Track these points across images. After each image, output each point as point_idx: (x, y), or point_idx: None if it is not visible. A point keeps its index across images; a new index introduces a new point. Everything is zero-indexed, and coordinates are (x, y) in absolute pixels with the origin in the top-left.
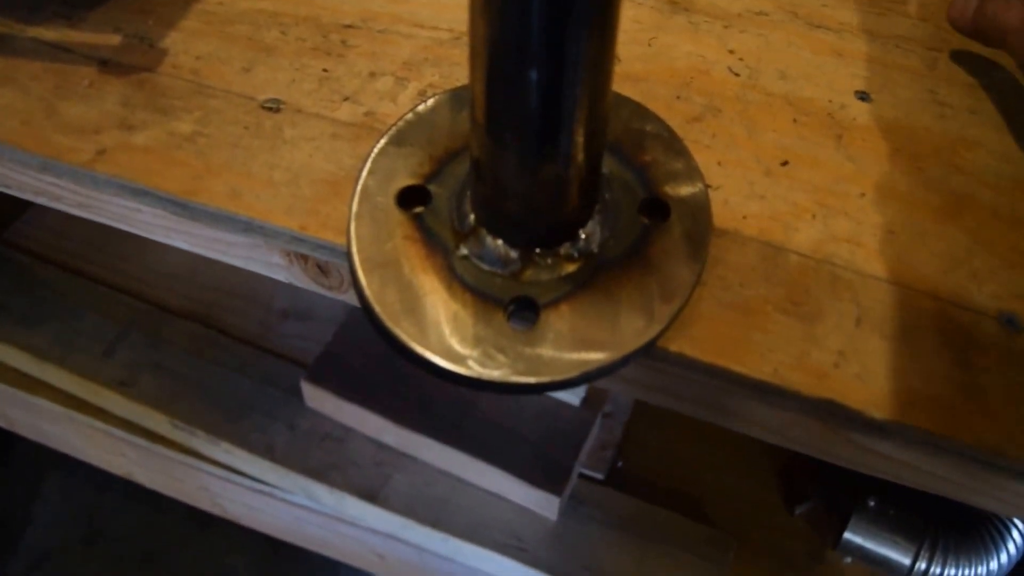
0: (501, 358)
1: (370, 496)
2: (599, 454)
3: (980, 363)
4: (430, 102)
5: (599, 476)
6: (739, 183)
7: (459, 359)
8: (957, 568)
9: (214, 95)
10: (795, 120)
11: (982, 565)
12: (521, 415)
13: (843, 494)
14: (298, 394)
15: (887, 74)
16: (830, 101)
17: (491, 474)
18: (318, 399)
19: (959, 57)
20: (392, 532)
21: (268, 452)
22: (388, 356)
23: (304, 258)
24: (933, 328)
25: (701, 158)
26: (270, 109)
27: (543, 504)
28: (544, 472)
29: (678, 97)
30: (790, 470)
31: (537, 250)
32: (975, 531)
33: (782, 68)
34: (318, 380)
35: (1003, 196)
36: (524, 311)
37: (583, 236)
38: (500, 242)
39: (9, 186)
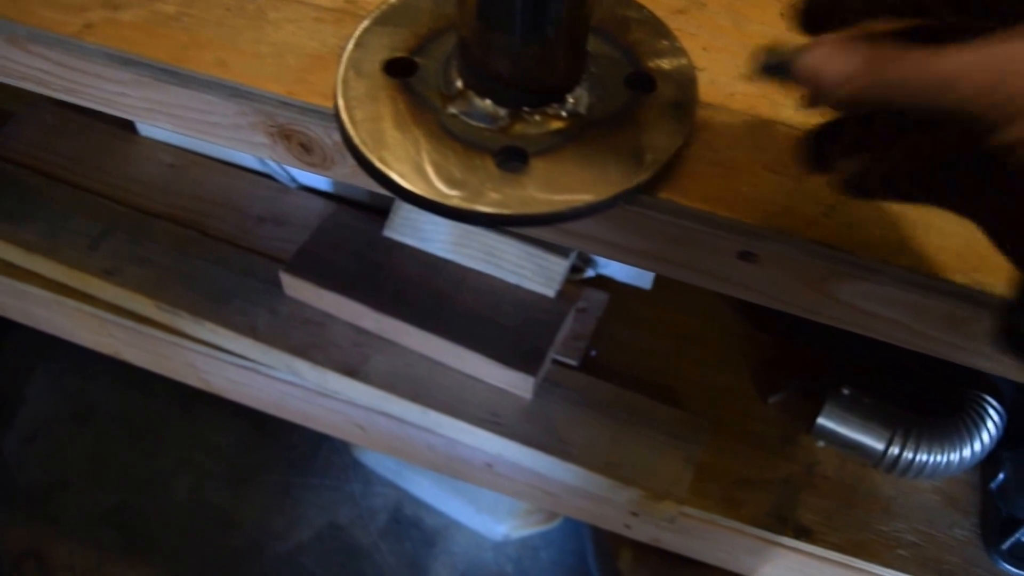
0: (491, 195)
1: (351, 372)
2: (573, 343)
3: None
4: None
5: (573, 363)
6: (726, 66)
7: (450, 195)
8: (930, 454)
9: None
10: (782, 13)
11: (955, 452)
12: (497, 306)
13: (817, 383)
14: (278, 285)
15: None
16: None
17: (468, 357)
18: (297, 288)
19: None
20: (372, 405)
21: (251, 332)
22: (365, 254)
23: (287, 136)
24: None
25: (687, 44)
26: None
27: (518, 384)
28: (519, 354)
29: None
30: (764, 363)
31: (525, 109)
32: (951, 419)
33: None
34: (298, 270)
35: None
36: (513, 160)
37: (571, 99)
38: (488, 101)
39: None
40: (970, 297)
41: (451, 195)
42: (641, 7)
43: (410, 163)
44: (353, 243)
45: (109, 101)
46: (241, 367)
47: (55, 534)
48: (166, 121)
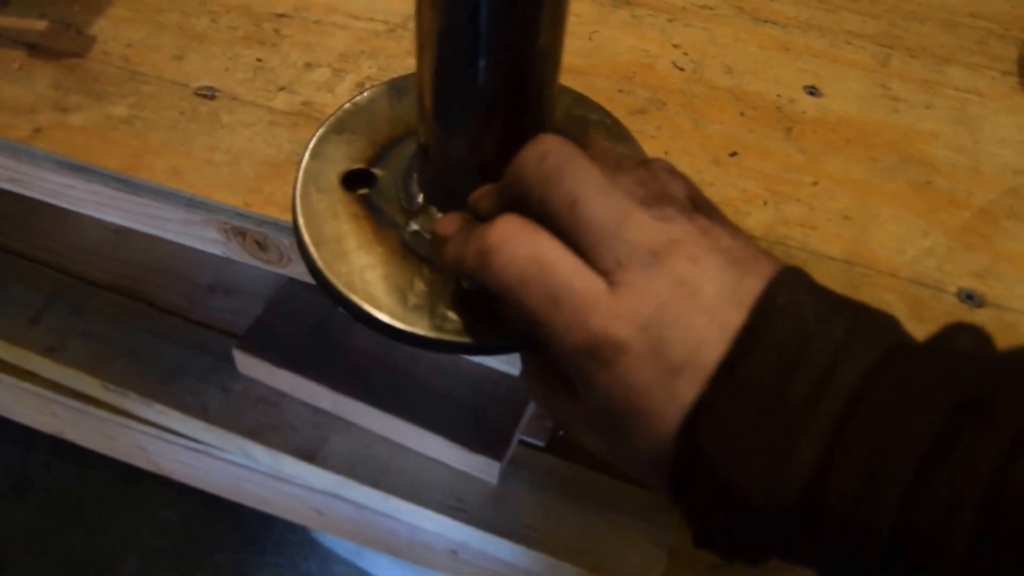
0: (456, 322)
1: (308, 456)
2: (539, 423)
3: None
4: (368, 92)
5: (540, 444)
6: (687, 171)
7: (417, 322)
8: None
9: (147, 81)
10: (742, 113)
11: None
12: (459, 383)
13: None
14: (230, 361)
15: (837, 69)
16: (778, 95)
17: (429, 439)
18: (251, 366)
19: (913, 53)
20: (331, 490)
21: (202, 413)
22: (321, 328)
23: (242, 234)
24: (892, 302)
25: (648, 147)
26: (205, 96)
27: (483, 468)
28: (483, 437)
29: (620, 91)
30: None
31: None
32: None
33: (728, 63)
34: (251, 348)
35: (960, 184)
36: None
37: None
38: None
39: None
40: None
41: (414, 325)
42: (600, 108)
43: (373, 288)
44: (308, 315)
45: (57, 194)
46: (192, 449)
47: None
48: (115, 215)
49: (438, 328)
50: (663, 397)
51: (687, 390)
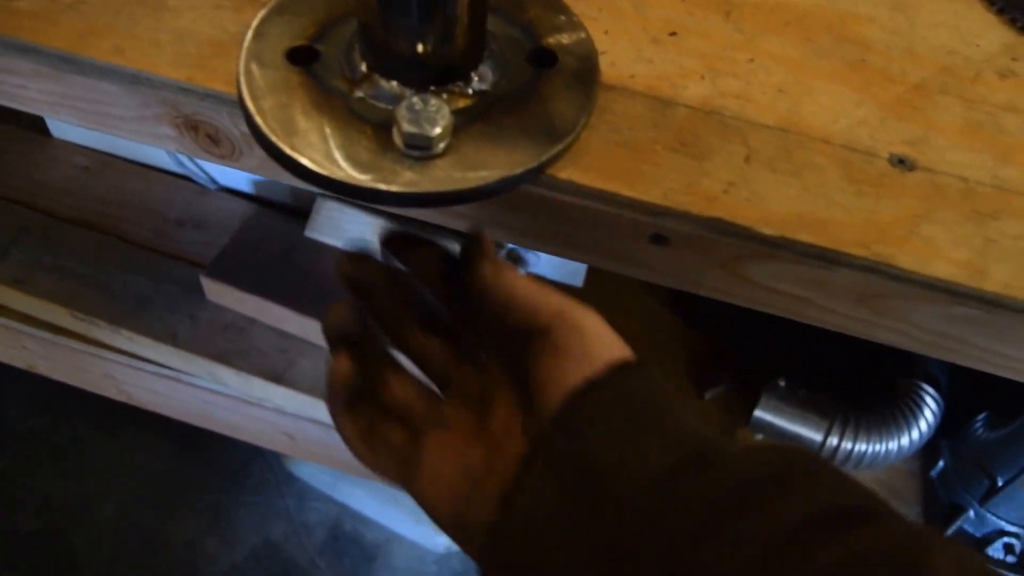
0: (403, 175)
1: (275, 378)
2: None
3: (874, 194)
4: None
5: None
6: (626, 49)
7: (361, 177)
8: (868, 443)
9: None
10: None
11: (893, 441)
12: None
13: (753, 377)
14: (198, 291)
15: None
16: None
17: None
18: (219, 292)
19: None
20: (300, 412)
21: (171, 339)
22: (286, 255)
23: (194, 127)
24: (826, 165)
25: (589, 28)
26: None
27: None
28: None
29: None
30: (700, 360)
31: (432, 87)
32: (888, 408)
33: None
34: (218, 275)
35: (894, 63)
36: None
37: (475, 77)
38: (395, 83)
39: None
40: (873, 270)
41: (362, 177)
42: None
43: (320, 149)
44: (275, 245)
45: (10, 95)
46: (162, 376)
47: None
48: (70, 115)
49: (386, 181)
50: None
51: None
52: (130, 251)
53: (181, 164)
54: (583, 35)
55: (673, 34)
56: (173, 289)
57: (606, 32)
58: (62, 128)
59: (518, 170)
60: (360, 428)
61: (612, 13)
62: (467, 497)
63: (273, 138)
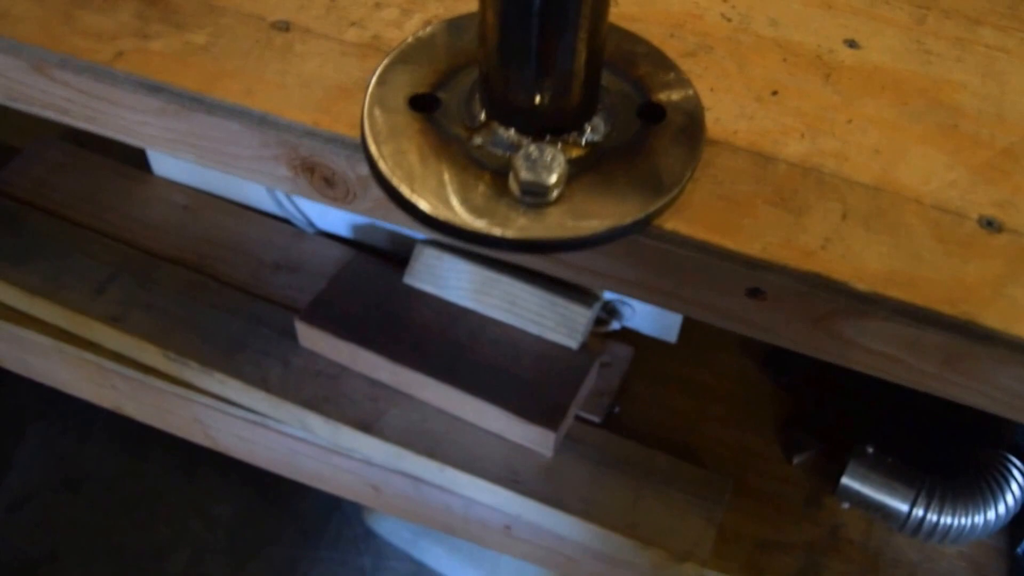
0: (517, 221)
1: (365, 427)
2: (596, 400)
3: (962, 254)
4: (430, 28)
5: (596, 419)
6: (730, 106)
7: (476, 222)
8: (954, 516)
9: (224, 14)
10: (784, 60)
11: (980, 514)
12: (518, 357)
13: (841, 443)
14: (291, 335)
15: (875, 26)
16: (819, 46)
17: (487, 411)
18: (312, 338)
19: (948, 15)
20: (387, 463)
21: (262, 384)
22: (382, 303)
23: (310, 169)
24: (917, 224)
25: (695, 84)
26: (280, 28)
27: (539, 441)
28: (540, 409)
29: (671, 36)
30: (789, 422)
31: (547, 137)
32: (974, 480)
33: (773, 16)
34: (313, 320)
35: (984, 128)
36: None
37: (588, 128)
38: (512, 131)
39: (17, 99)
40: (959, 328)
41: (477, 223)
42: (646, 42)
43: (437, 193)
44: (371, 291)
45: (130, 131)
46: (250, 422)
47: None
48: (188, 152)
49: (501, 226)
50: None
51: None
52: (225, 292)
53: (281, 206)
54: (691, 92)
55: (775, 93)
56: (266, 332)
57: (711, 89)
58: (163, 166)
59: (627, 220)
60: None
61: (717, 72)
62: None
63: (393, 181)
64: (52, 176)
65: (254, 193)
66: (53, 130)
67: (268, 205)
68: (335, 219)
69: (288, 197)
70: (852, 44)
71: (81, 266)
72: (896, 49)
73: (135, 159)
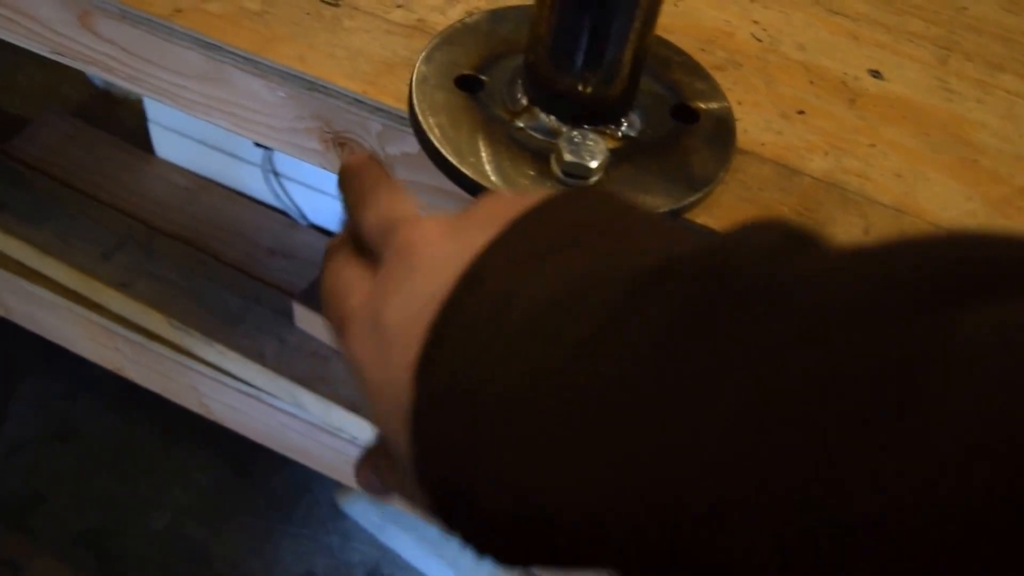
0: None
1: (354, 407)
2: None
3: None
4: (475, 16)
5: None
6: (757, 120)
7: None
8: None
9: None
10: (811, 82)
11: None
12: None
13: None
14: (286, 316)
15: (900, 60)
16: (844, 73)
17: None
18: (308, 319)
19: (970, 57)
20: None
21: (259, 357)
22: None
23: (342, 144)
24: None
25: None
26: (330, 4)
27: None
28: None
29: (702, 50)
30: None
31: (585, 126)
32: None
33: (801, 41)
34: (310, 301)
35: (1003, 166)
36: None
37: (624, 123)
38: (552, 117)
39: (64, 54)
40: None
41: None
42: (680, 51)
43: (480, 168)
44: None
45: (169, 93)
46: (244, 394)
47: (31, 548)
48: (223, 119)
49: None
50: (380, 373)
51: (401, 359)
52: (223, 270)
53: (277, 197)
54: (724, 104)
55: (801, 112)
56: (263, 311)
57: (739, 103)
58: (166, 148)
59: (662, 210)
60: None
61: (745, 87)
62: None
63: (443, 150)
64: (63, 146)
65: (250, 183)
66: (59, 102)
67: (264, 195)
68: (327, 215)
69: (284, 190)
70: (876, 74)
71: (89, 231)
72: (919, 84)
73: (140, 139)
